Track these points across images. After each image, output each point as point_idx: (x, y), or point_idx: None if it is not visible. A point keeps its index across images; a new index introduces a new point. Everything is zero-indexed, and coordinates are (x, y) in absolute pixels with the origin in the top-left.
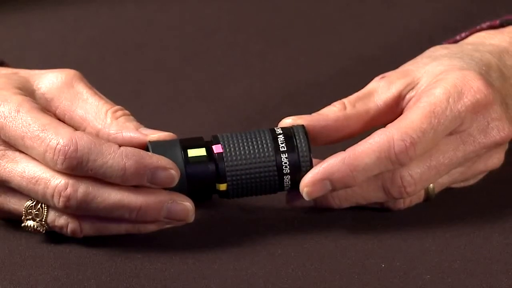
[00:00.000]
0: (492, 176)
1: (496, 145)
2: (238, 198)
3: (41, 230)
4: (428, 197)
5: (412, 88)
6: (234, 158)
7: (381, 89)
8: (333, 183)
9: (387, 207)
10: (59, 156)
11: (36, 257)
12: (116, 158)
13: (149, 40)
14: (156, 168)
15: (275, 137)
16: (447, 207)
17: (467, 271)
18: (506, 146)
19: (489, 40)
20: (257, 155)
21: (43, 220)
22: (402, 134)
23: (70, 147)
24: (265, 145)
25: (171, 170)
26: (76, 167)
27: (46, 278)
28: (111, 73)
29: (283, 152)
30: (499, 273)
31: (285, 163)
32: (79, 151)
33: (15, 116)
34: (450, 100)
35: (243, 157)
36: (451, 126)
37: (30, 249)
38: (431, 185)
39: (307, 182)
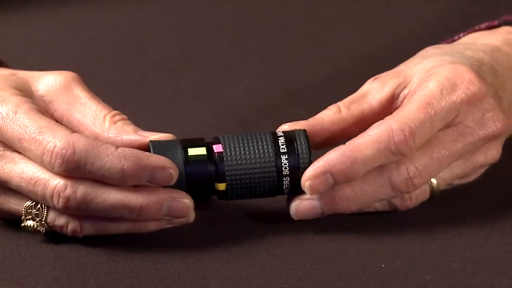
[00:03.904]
0: (492, 176)
1: (493, 136)
2: (237, 200)
3: (41, 230)
4: (433, 194)
5: (405, 87)
6: (234, 158)
7: (374, 90)
8: (334, 176)
9: (395, 207)
10: (56, 159)
11: (36, 257)
12: (114, 160)
13: (149, 40)
14: (154, 168)
15: (275, 139)
16: (448, 207)
17: (467, 271)
18: (503, 139)
19: (481, 40)
20: (257, 156)
21: (43, 220)
22: (401, 124)
23: (67, 150)
24: (265, 147)
25: (170, 169)
26: (74, 170)
27: (46, 278)
28: (111, 73)
29: (283, 153)
30: (499, 273)
31: (285, 164)
32: (76, 154)
33: (12, 117)
34: (444, 92)
35: (243, 157)
36: (448, 117)
37: (30, 249)
38: (435, 182)
39: (308, 176)
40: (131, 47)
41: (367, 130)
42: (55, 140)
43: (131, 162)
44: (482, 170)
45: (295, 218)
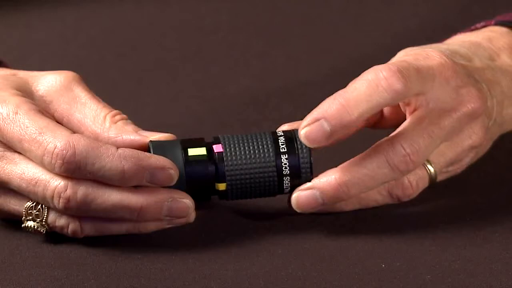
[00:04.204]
0: (492, 177)
1: (474, 113)
2: (237, 200)
3: (41, 230)
4: (431, 181)
5: None
6: (234, 158)
7: None
8: (329, 121)
9: (397, 197)
10: (56, 160)
11: (36, 257)
12: (114, 161)
13: (149, 40)
14: (154, 168)
15: (276, 139)
16: (448, 207)
17: (467, 271)
18: (485, 122)
19: (462, 39)
20: (257, 156)
21: (44, 220)
22: (388, 65)
23: (68, 151)
24: (265, 146)
25: (170, 170)
26: (74, 171)
27: (46, 278)
28: (111, 73)
29: (283, 153)
30: (499, 273)
31: (285, 164)
32: (77, 155)
33: (13, 118)
34: (419, 58)
35: (243, 157)
36: (428, 78)
37: (30, 249)
38: (432, 169)
39: (304, 124)
40: (131, 47)
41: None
42: (55, 141)
43: (131, 162)
44: (472, 155)
45: (298, 211)
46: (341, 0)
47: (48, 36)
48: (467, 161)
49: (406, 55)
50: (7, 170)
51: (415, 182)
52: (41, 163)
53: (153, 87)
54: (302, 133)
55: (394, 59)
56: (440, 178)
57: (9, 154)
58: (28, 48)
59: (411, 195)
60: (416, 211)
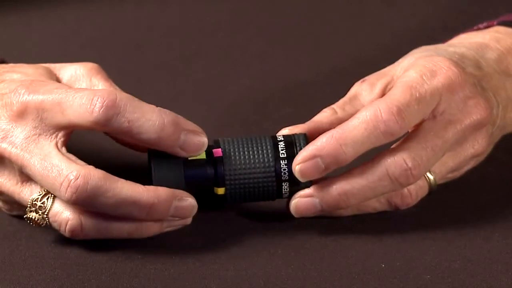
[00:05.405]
0: (492, 176)
1: (479, 123)
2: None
3: (41, 223)
4: (431, 189)
5: (393, 85)
6: (233, 162)
7: (364, 92)
8: (324, 159)
9: (395, 205)
10: (96, 103)
11: (36, 257)
12: (155, 114)
13: (149, 40)
14: (189, 131)
15: (275, 143)
16: (448, 207)
17: (467, 271)
18: (490, 130)
19: (469, 39)
20: (257, 161)
21: (46, 213)
22: (388, 104)
23: (109, 95)
24: (265, 151)
25: (202, 136)
26: (113, 116)
27: (46, 278)
28: (111, 73)
29: (283, 158)
30: (499, 273)
31: (284, 169)
32: (118, 101)
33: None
34: (424, 77)
35: (243, 161)
36: (432, 102)
37: (30, 249)
38: (431, 177)
39: (298, 160)
40: (131, 47)
41: (356, 113)
42: (95, 91)
43: (171, 118)
44: (473, 162)
45: (296, 216)
46: (341, 0)
47: (48, 36)
48: (467, 168)
49: (415, 64)
50: (33, 152)
51: (414, 192)
52: (78, 111)
53: (153, 87)
54: (297, 168)
55: (402, 65)
56: (438, 183)
57: (42, 138)
58: (28, 48)
59: (410, 204)
60: (416, 211)
